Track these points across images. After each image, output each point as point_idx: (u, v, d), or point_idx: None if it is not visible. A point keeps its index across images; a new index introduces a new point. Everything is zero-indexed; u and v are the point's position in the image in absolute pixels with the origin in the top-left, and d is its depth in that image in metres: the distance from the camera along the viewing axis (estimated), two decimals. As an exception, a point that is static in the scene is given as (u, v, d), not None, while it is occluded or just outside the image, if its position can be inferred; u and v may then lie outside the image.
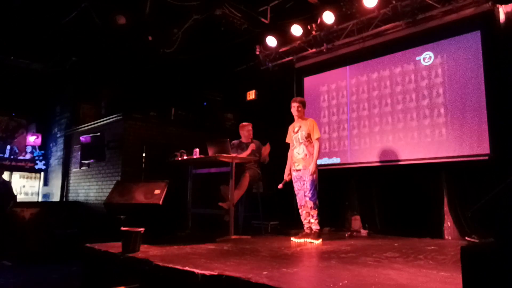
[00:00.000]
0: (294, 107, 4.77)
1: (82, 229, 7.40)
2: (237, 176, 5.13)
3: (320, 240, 4.45)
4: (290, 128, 4.91)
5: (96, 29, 6.78)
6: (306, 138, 4.65)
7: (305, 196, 4.57)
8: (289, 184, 4.88)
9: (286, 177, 4.85)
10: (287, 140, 4.92)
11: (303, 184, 4.61)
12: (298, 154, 4.68)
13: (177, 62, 7.88)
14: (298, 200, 4.75)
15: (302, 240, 4.51)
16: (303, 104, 4.82)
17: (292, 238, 4.65)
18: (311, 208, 4.55)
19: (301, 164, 4.63)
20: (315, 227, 4.56)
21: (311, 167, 4.53)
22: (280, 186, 4.83)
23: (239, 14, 6.73)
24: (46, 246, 7.10)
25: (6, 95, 8.82)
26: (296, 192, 4.77)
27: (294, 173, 4.72)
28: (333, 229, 5.87)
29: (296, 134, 4.74)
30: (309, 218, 4.58)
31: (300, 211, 4.75)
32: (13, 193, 7.11)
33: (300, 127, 4.74)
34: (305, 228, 4.67)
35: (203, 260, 3.22)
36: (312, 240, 4.41)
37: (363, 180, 5.95)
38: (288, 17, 6.71)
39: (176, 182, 5.55)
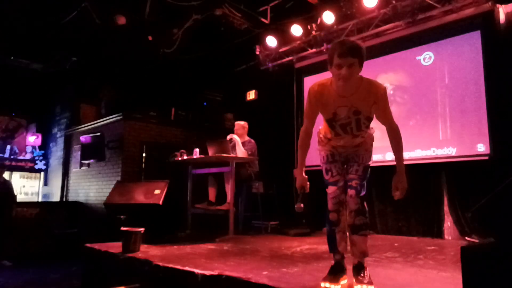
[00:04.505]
0: (343, 66, 2.18)
1: (82, 229, 7.40)
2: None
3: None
4: (319, 97, 2.41)
5: (96, 29, 6.78)
6: (367, 123, 2.43)
7: (349, 188, 2.45)
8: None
9: (301, 184, 2.50)
10: (306, 115, 2.54)
11: (350, 171, 2.50)
12: (348, 146, 2.52)
13: (177, 62, 7.88)
14: (331, 194, 2.47)
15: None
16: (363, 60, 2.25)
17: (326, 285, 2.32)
18: (358, 211, 2.42)
19: (352, 150, 2.53)
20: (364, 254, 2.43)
21: (397, 180, 2.40)
22: (299, 206, 2.55)
23: (239, 14, 6.73)
24: (46, 246, 7.10)
25: (6, 95, 8.82)
26: (329, 180, 2.50)
27: (332, 150, 2.56)
28: (333, 229, 5.86)
29: (346, 119, 2.39)
30: (356, 232, 2.42)
31: (334, 217, 2.46)
32: (14, 194, 7.11)
33: (357, 109, 2.34)
34: (353, 256, 2.44)
35: (203, 260, 3.22)
36: (364, 287, 2.28)
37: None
38: (288, 17, 6.71)
39: (176, 182, 5.55)
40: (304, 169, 2.52)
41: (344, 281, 2.41)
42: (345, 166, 2.52)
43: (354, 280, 2.36)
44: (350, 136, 2.46)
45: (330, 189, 2.47)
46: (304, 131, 2.54)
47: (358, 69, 2.24)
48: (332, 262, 2.49)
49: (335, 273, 2.39)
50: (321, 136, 2.62)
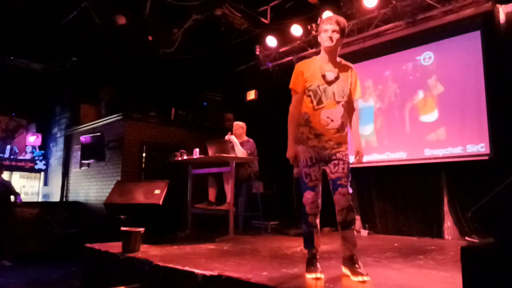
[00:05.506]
0: (329, 30, 2.63)
1: (82, 229, 7.41)
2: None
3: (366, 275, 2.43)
4: (306, 66, 2.79)
5: (96, 29, 6.78)
6: (348, 95, 2.68)
7: (340, 187, 2.55)
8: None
9: (294, 153, 2.66)
10: (294, 86, 2.78)
11: (335, 170, 2.58)
12: (331, 120, 2.60)
13: (177, 62, 7.88)
14: (310, 199, 2.61)
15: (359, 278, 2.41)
16: (344, 32, 2.71)
17: None
18: (350, 208, 2.55)
19: (333, 141, 2.60)
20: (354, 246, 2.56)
21: (359, 147, 2.72)
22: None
23: (239, 14, 6.73)
24: (46, 246, 7.11)
25: (6, 95, 8.83)
26: (308, 184, 2.62)
27: (311, 152, 2.62)
28: (333, 229, 5.86)
29: (330, 84, 2.63)
30: (348, 228, 2.59)
31: (313, 220, 2.66)
32: (15, 190, 7.10)
33: (338, 74, 2.66)
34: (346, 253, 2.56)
35: (203, 260, 3.22)
36: (364, 278, 2.39)
37: (364, 180, 5.94)
38: (288, 17, 6.71)
39: (176, 182, 5.55)
40: (294, 144, 2.70)
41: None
42: (323, 168, 2.65)
43: (350, 272, 2.44)
44: (333, 102, 2.61)
45: (309, 194, 2.62)
46: (293, 105, 2.75)
47: (340, 38, 2.67)
48: (307, 255, 2.67)
49: (313, 263, 2.59)
50: (301, 129, 2.68)
